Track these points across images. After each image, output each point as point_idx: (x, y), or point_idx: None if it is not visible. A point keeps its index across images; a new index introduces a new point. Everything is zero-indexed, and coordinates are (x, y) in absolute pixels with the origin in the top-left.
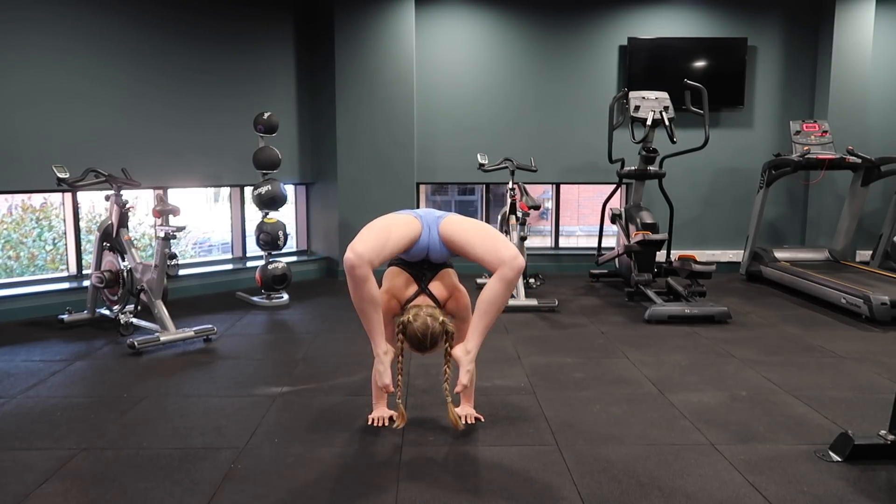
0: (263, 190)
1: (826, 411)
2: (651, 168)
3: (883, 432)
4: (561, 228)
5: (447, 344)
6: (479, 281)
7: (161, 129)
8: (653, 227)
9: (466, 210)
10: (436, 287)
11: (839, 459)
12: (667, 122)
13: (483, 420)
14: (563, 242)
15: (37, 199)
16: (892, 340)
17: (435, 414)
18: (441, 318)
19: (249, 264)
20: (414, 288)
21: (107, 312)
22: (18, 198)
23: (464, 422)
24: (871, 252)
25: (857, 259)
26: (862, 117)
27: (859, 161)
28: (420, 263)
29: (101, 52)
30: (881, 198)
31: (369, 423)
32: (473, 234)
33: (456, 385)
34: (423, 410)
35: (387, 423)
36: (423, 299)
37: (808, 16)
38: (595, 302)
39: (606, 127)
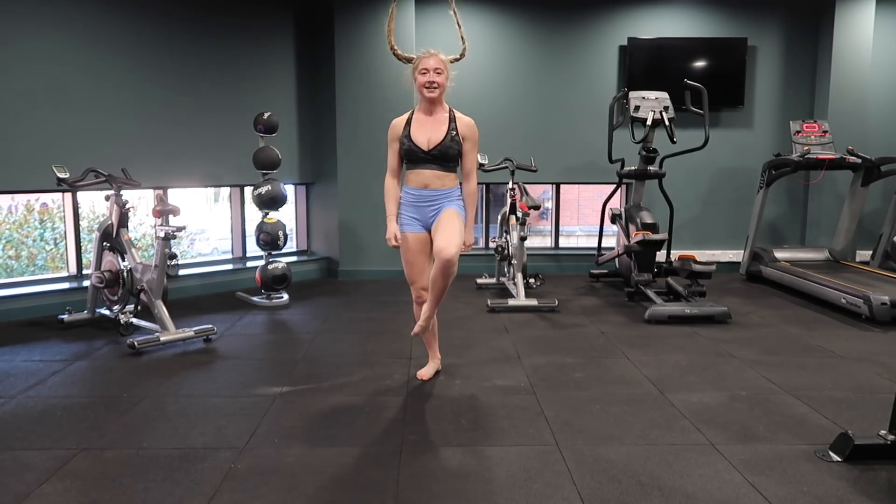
0: (263, 190)
1: (826, 411)
2: (651, 168)
3: (883, 432)
4: (561, 228)
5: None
6: (478, 281)
7: (161, 128)
8: (653, 227)
9: None
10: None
11: (839, 459)
12: (667, 122)
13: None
14: (563, 242)
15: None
16: (892, 340)
17: (435, 414)
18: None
19: (249, 264)
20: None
21: (107, 312)
22: (22, 202)
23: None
24: (871, 252)
25: (857, 259)
26: (862, 117)
27: (859, 161)
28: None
29: (100, 52)
30: (881, 198)
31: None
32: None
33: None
34: (423, 411)
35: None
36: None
37: (808, 16)
38: (595, 302)
39: (606, 127)
